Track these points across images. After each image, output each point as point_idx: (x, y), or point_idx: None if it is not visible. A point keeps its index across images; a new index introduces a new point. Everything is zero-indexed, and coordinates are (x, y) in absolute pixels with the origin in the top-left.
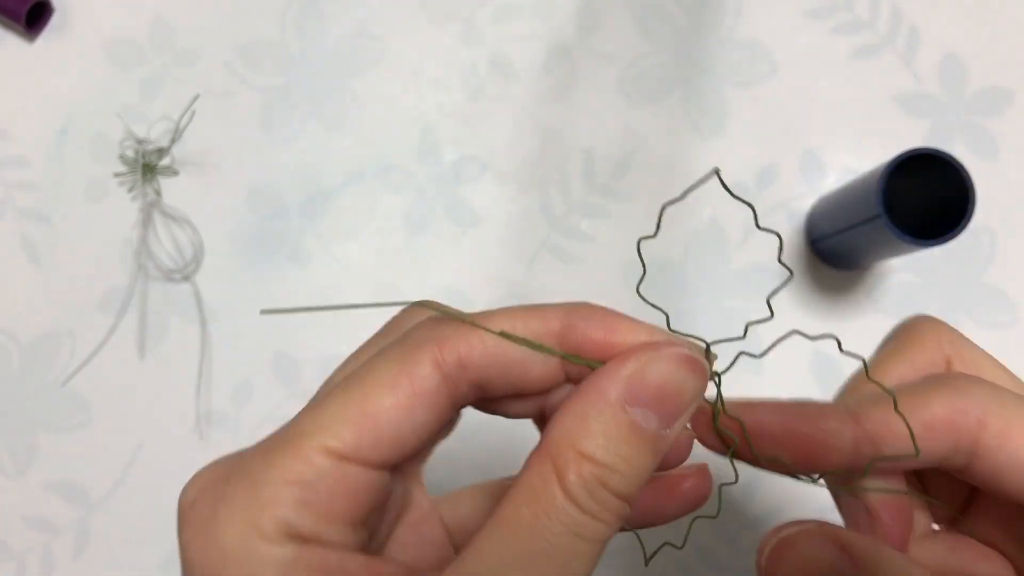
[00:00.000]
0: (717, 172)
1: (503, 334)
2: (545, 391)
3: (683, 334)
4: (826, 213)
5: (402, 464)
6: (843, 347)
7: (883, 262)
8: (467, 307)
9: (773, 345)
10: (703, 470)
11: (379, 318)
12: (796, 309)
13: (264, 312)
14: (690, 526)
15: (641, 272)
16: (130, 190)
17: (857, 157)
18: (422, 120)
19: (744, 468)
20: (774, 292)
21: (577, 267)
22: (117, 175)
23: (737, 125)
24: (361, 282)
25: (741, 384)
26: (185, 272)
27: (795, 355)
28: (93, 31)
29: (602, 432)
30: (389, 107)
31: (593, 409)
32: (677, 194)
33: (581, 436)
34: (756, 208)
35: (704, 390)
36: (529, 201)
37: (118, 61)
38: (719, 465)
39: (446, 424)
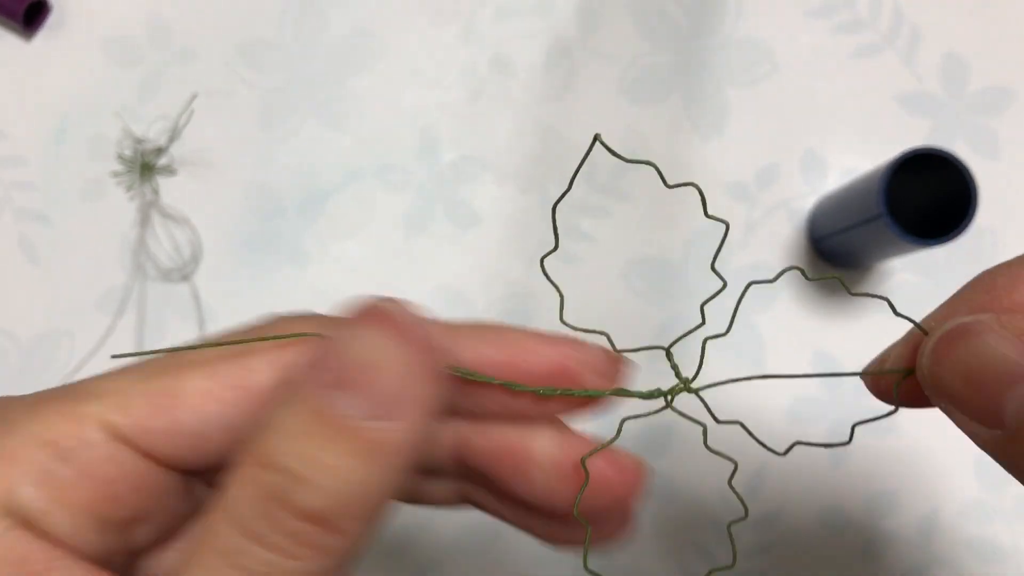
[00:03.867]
0: (597, 137)
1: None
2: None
3: (633, 349)
4: (827, 213)
5: (201, 473)
6: (896, 310)
7: (885, 262)
8: (466, 308)
9: (735, 312)
10: (627, 459)
11: None
12: (797, 309)
13: (114, 357)
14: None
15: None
16: (128, 189)
17: (858, 156)
18: (422, 120)
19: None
20: (717, 251)
21: (577, 267)
22: (115, 174)
23: (737, 125)
24: (360, 282)
25: (744, 384)
26: (183, 272)
27: (795, 355)
28: (91, 30)
29: (281, 427)
30: (389, 107)
31: (276, 404)
32: (677, 194)
33: (258, 439)
34: (755, 207)
35: (425, 363)
36: (529, 201)
37: (116, 60)
38: (726, 498)
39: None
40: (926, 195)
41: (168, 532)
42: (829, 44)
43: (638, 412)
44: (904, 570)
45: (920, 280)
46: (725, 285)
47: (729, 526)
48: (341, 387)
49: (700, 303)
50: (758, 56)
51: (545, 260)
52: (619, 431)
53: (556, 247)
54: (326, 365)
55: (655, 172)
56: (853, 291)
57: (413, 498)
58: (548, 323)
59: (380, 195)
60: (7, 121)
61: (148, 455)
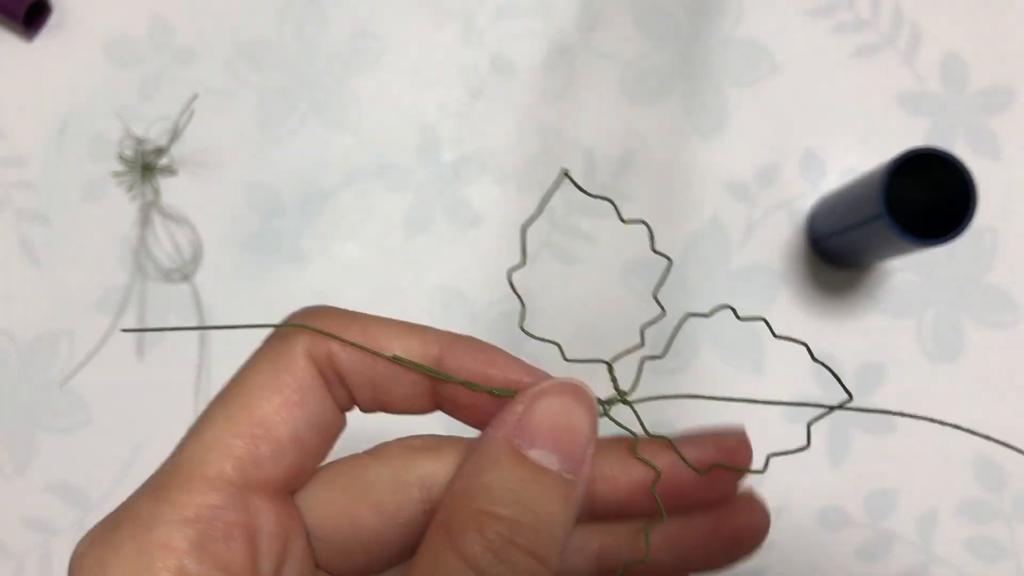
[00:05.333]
0: (566, 173)
1: (396, 358)
2: (411, 413)
3: (580, 360)
4: (827, 213)
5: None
6: (814, 355)
7: (884, 262)
8: (466, 308)
9: (671, 337)
10: (753, 500)
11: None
12: (797, 309)
13: (124, 331)
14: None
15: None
16: (129, 190)
17: (858, 156)
18: (422, 119)
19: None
20: (660, 283)
21: (577, 267)
22: (116, 175)
23: (738, 124)
24: (360, 282)
25: (742, 383)
26: (184, 272)
27: (796, 355)
28: (91, 30)
29: (499, 482)
30: (389, 107)
31: (486, 460)
32: (678, 194)
33: (477, 492)
34: (755, 207)
35: (594, 420)
36: (529, 201)
37: (117, 60)
38: None
39: (337, 428)
40: (926, 195)
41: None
42: (829, 44)
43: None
44: (904, 570)
45: (919, 280)
46: (664, 314)
47: (646, 526)
48: (546, 447)
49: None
50: (758, 56)
51: (543, 258)
52: None
53: (523, 309)
54: (526, 430)
55: (655, 172)
56: (777, 334)
57: None
58: (547, 323)
59: (380, 195)
60: (7, 121)
61: (266, 482)
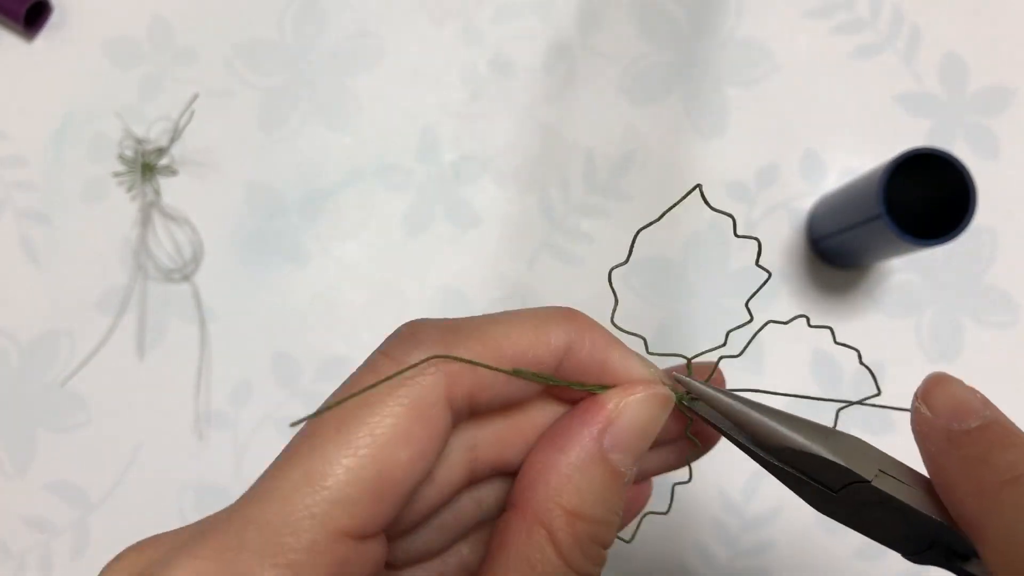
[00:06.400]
0: (699, 188)
1: (517, 372)
2: (528, 403)
3: (661, 354)
4: (827, 213)
5: None
6: (837, 338)
7: (884, 262)
8: (466, 308)
9: (750, 341)
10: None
11: (380, 316)
12: (797, 309)
13: (293, 424)
14: (639, 523)
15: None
16: (129, 190)
17: (858, 157)
18: (422, 120)
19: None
20: (752, 295)
21: (577, 267)
22: (116, 175)
23: (737, 125)
24: (360, 282)
25: (742, 384)
26: (184, 272)
27: (795, 354)
28: (92, 30)
29: (589, 487)
30: (389, 107)
31: (577, 462)
32: (677, 194)
33: (569, 494)
34: (755, 207)
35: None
36: (529, 201)
37: (117, 60)
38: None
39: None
40: (925, 195)
41: None
42: (829, 44)
43: None
44: (904, 570)
45: (919, 280)
46: (752, 319)
47: (673, 487)
48: (626, 451)
49: (723, 327)
50: (758, 56)
51: (543, 258)
52: None
53: (616, 303)
54: (617, 434)
55: (655, 173)
56: (837, 340)
57: None
58: None
59: (380, 195)
60: (7, 121)
61: (376, 534)
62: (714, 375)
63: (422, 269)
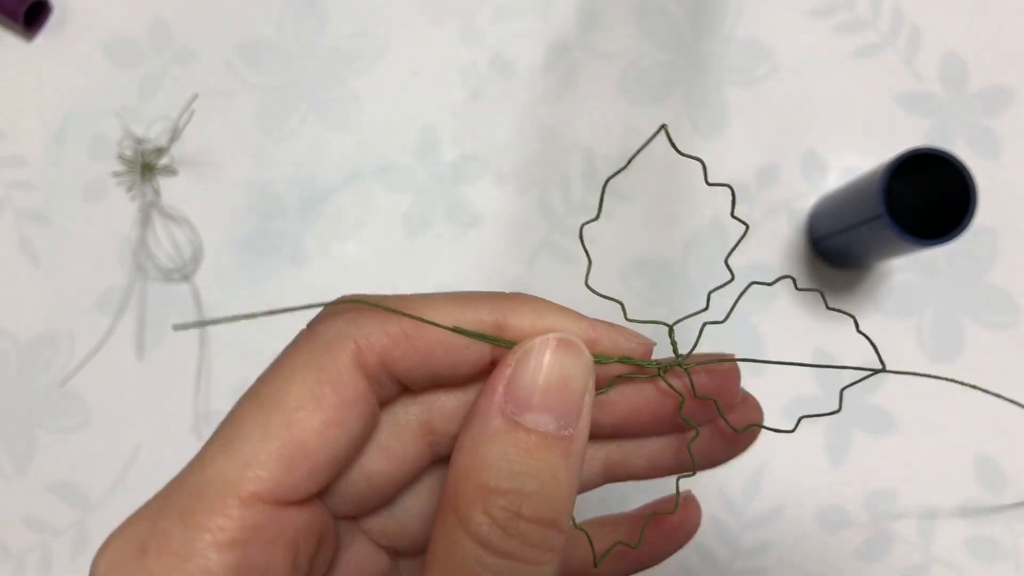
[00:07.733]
0: (664, 128)
1: (456, 329)
2: (471, 380)
3: (641, 321)
4: (827, 213)
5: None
6: (828, 303)
7: (884, 262)
8: None
9: (735, 304)
10: (690, 500)
11: None
12: (797, 309)
13: (176, 327)
14: (646, 523)
15: (588, 263)
16: (129, 190)
17: (858, 156)
18: (422, 119)
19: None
20: (732, 249)
21: (577, 267)
22: (116, 175)
23: (738, 125)
24: (360, 282)
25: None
26: (184, 272)
27: (794, 354)
28: (92, 30)
29: (497, 455)
30: (389, 107)
31: (480, 433)
32: (678, 194)
33: (478, 468)
34: (755, 207)
35: (588, 368)
36: (529, 201)
37: (117, 60)
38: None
39: (373, 429)
40: (926, 195)
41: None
42: (829, 44)
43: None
44: (904, 570)
45: (919, 280)
46: (733, 278)
47: (677, 480)
48: (539, 409)
49: (707, 292)
50: (758, 56)
51: (543, 258)
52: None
53: (590, 264)
54: (516, 395)
55: (655, 172)
56: (829, 306)
57: None
58: None
59: (380, 195)
60: (7, 121)
61: (301, 501)
62: (724, 365)
63: (422, 269)
